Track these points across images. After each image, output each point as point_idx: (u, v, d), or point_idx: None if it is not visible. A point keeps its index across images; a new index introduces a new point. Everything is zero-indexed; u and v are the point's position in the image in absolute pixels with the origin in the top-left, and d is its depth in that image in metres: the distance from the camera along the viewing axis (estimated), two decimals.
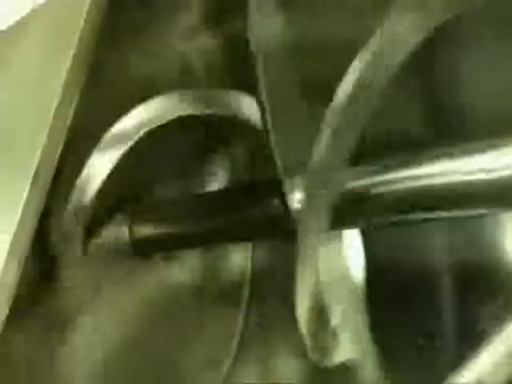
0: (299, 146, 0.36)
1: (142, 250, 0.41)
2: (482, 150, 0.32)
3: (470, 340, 0.39)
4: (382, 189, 0.34)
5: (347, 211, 0.34)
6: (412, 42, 0.28)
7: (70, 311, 0.39)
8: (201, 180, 0.44)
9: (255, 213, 0.39)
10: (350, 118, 0.28)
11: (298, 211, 0.36)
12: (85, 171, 0.38)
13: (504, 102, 0.36)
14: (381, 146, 0.38)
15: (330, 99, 0.29)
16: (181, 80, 0.42)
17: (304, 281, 0.32)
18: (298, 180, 0.37)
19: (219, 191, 0.43)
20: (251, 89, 0.36)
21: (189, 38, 0.42)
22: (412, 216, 0.35)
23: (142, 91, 0.40)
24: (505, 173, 0.32)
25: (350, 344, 0.32)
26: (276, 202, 0.38)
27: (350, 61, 0.28)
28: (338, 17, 0.36)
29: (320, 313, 0.32)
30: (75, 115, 0.33)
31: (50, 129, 0.32)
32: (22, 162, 0.31)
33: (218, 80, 0.43)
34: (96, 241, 0.40)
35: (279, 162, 0.37)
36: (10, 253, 0.29)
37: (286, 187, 0.37)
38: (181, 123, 0.40)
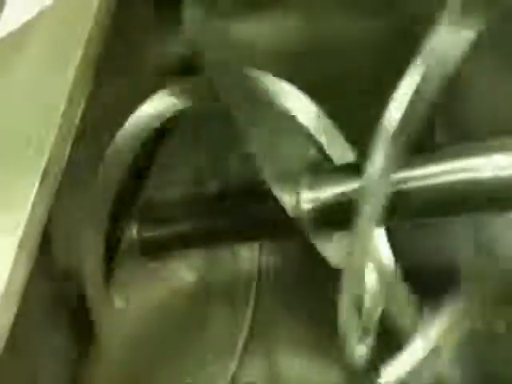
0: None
1: (149, 249, 0.41)
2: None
3: None
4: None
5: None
6: (459, 53, 0.28)
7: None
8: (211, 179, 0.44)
9: (261, 212, 0.40)
10: (405, 129, 0.28)
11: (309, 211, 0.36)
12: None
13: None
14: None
15: None
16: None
17: (350, 284, 0.32)
18: (306, 180, 0.37)
19: (224, 191, 0.43)
20: None
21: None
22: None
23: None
24: None
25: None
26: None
27: None
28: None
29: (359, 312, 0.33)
30: (83, 115, 0.33)
31: (58, 128, 0.32)
32: (31, 161, 0.32)
33: None
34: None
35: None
36: (20, 249, 0.30)
37: (297, 186, 0.37)
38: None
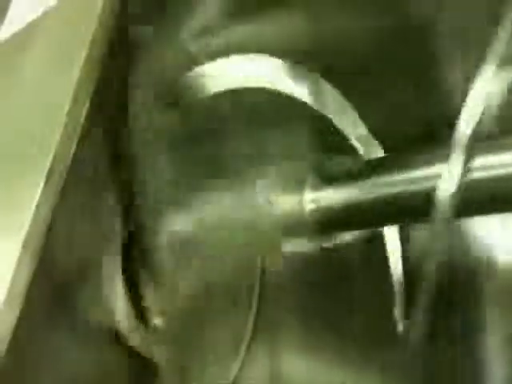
0: None
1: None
2: None
3: None
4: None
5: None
6: None
7: None
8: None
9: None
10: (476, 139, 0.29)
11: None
12: None
13: None
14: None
15: None
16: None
17: None
18: (310, 180, 0.37)
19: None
20: None
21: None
22: None
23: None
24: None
25: None
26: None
27: None
28: None
29: None
30: (88, 114, 0.33)
31: (63, 127, 0.32)
32: (35, 161, 0.32)
33: None
34: None
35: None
36: (24, 250, 0.30)
37: (300, 187, 0.37)
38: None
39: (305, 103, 0.40)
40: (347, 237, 0.42)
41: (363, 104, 0.43)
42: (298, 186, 0.37)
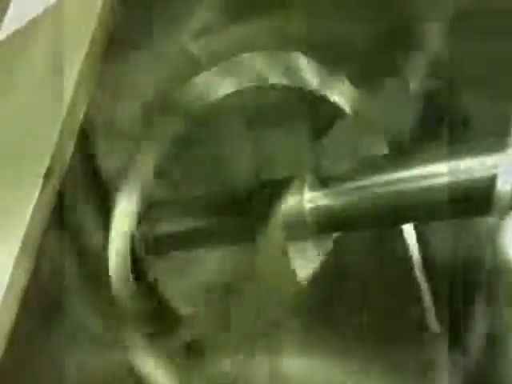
0: None
1: (150, 249, 0.41)
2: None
3: None
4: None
5: None
6: None
7: None
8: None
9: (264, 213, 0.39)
10: None
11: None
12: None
13: None
14: None
15: None
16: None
17: None
18: (309, 180, 0.37)
19: (226, 191, 0.43)
20: None
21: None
22: None
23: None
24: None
25: None
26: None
27: None
28: None
29: None
30: (86, 115, 0.33)
31: (61, 127, 0.32)
32: (33, 163, 0.32)
33: None
34: None
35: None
36: (23, 248, 0.30)
37: (300, 187, 0.37)
38: None
39: (304, 101, 0.40)
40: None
41: None
42: (297, 185, 0.37)
